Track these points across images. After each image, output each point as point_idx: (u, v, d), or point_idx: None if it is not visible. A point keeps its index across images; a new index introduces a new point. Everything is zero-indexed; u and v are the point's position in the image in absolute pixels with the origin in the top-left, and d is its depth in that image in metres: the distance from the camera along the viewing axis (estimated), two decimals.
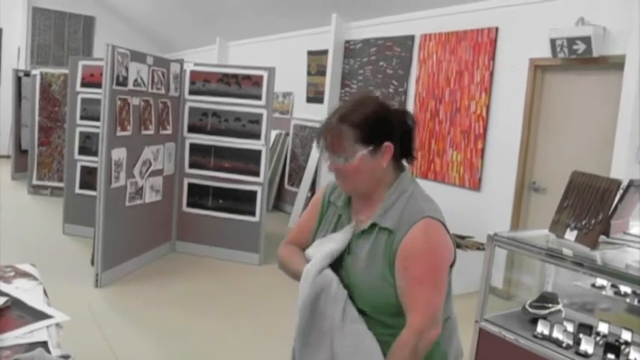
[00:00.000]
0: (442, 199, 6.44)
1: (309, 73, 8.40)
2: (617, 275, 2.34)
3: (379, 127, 1.58)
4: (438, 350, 1.66)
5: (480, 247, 5.35)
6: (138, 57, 5.02)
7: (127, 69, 4.82)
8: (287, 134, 8.67)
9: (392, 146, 1.59)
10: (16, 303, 2.02)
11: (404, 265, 1.54)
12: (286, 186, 8.64)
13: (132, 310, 4.40)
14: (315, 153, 7.72)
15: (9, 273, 2.38)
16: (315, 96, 8.25)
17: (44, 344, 1.73)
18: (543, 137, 5.14)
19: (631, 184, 2.72)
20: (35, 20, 12.32)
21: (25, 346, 1.70)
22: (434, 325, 1.55)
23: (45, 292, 2.24)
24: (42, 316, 1.97)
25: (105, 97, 4.63)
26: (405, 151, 1.66)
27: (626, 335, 2.65)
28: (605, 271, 2.38)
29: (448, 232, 1.61)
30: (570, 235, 2.65)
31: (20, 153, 9.41)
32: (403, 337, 1.55)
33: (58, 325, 1.95)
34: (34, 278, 2.36)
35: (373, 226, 1.61)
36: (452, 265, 1.63)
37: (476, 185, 5.64)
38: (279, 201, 8.70)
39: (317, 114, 7.96)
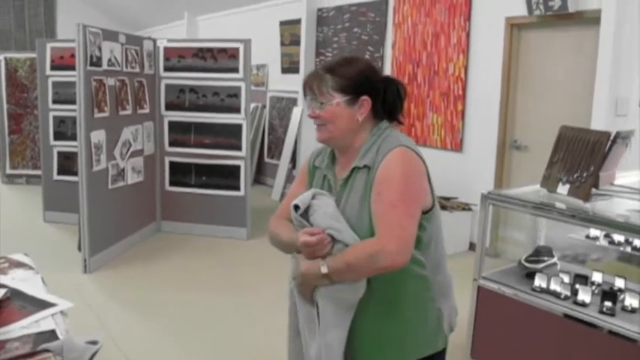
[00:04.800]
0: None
1: (282, 44, 8.29)
2: (613, 225, 2.40)
3: (360, 81, 1.65)
4: (432, 307, 1.68)
5: (465, 207, 5.42)
6: (110, 36, 4.88)
7: (99, 49, 4.69)
8: (264, 107, 8.59)
9: (369, 100, 1.66)
10: (15, 294, 1.99)
11: (378, 190, 1.57)
12: (266, 159, 8.59)
13: (124, 293, 4.36)
14: (294, 124, 7.67)
15: (3, 264, 2.33)
16: (290, 66, 8.16)
17: (52, 333, 1.70)
18: (522, 95, 5.18)
19: (618, 135, 2.77)
20: None
21: (33, 336, 1.66)
22: (402, 252, 1.50)
23: (43, 281, 2.20)
24: (45, 304, 1.94)
25: (80, 79, 4.50)
26: (391, 114, 1.72)
27: (620, 283, 2.73)
28: (600, 221, 2.44)
29: (424, 163, 1.64)
30: (562, 189, 2.70)
31: None
32: (365, 243, 1.54)
33: (62, 312, 1.93)
34: (30, 267, 2.31)
35: (353, 170, 1.66)
36: (429, 211, 1.63)
37: (458, 147, 5.67)
38: (260, 174, 8.66)
39: (293, 84, 7.89)
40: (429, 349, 1.69)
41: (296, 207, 1.64)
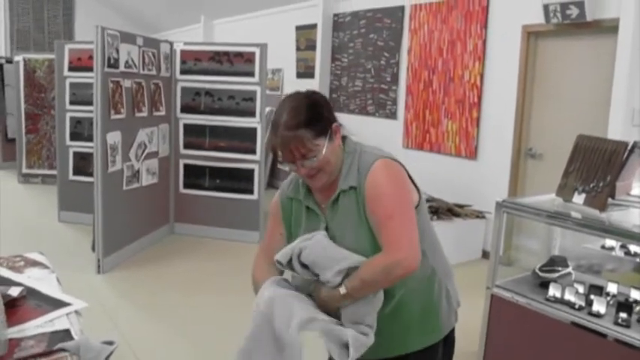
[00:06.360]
0: (439, 169, 6.41)
1: (298, 49, 8.31)
2: (629, 235, 2.37)
3: (320, 115, 1.64)
4: (441, 288, 1.76)
5: (479, 215, 5.39)
6: (127, 38, 4.93)
7: (117, 51, 4.73)
8: None
9: (338, 125, 1.67)
10: (31, 292, 2.00)
11: (371, 208, 1.60)
12: (279, 164, 8.61)
13: (136, 294, 4.39)
14: None
15: (19, 262, 2.35)
16: (305, 71, 8.17)
17: (67, 332, 1.71)
18: (538, 104, 5.14)
19: (635, 145, 2.74)
20: (13, 5, 12.02)
21: (48, 334, 1.67)
22: (412, 256, 1.55)
23: (58, 280, 2.22)
24: (60, 304, 1.95)
25: (97, 81, 4.55)
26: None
27: (635, 294, 2.70)
28: (616, 232, 2.41)
29: (405, 169, 1.69)
30: (578, 198, 2.67)
31: (7, 142, 9.26)
32: (376, 258, 1.57)
33: (77, 312, 1.94)
34: (45, 266, 2.33)
35: (340, 194, 1.68)
36: (417, 205, 1.69)
37: (472, 154, 5.65)
38: (274, 178, 8.67)
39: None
40: (448, 327, 1.80)
41: (279, 262, 1.69)
